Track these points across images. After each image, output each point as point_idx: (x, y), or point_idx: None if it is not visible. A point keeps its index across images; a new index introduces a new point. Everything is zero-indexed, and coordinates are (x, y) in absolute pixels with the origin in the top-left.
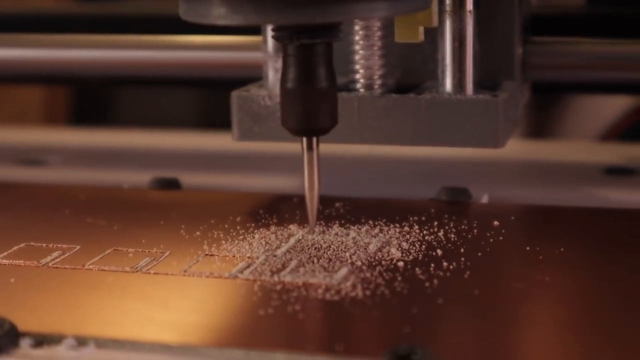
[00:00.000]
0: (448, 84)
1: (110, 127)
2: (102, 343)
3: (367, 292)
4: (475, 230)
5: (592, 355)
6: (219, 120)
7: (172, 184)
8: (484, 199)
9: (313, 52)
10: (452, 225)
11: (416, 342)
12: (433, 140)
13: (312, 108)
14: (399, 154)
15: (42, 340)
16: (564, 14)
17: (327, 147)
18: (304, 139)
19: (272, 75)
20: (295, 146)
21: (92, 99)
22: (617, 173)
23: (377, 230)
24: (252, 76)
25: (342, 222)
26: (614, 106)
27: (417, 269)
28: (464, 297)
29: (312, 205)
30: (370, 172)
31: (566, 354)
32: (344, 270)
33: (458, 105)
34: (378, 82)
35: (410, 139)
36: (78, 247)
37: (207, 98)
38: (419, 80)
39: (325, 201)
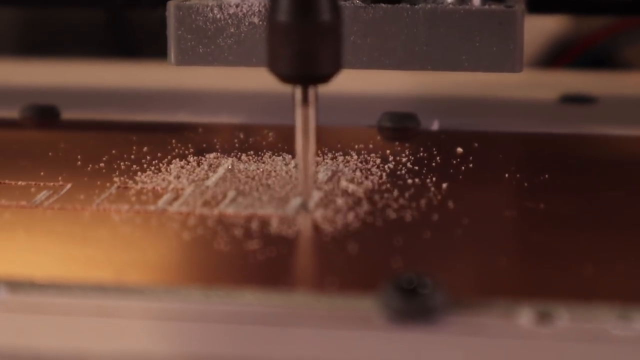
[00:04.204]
0: None
1: None
2: (17, 287)
3: (334, 224)
4: (438, 158)
5: (602, 282)
6: None
7: (49, 112)
8: (435, 126)
9: None
10: (407, 153)
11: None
12: (432, 63)
13: (311, 49)
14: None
15: None
16: None
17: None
18: (298, 89)
19: None
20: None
21: None
22: (573, 101)
23: (320, 158)
24: None
25: (275, 150)
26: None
27: (385, 199)
28: (453, 226)
29: (306, 173)
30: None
31: (582, 281)
32: (297, 200)
33: (466, 18)
34: None
35: (402, 62)
36: None
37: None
38: None
39: (251, 129)
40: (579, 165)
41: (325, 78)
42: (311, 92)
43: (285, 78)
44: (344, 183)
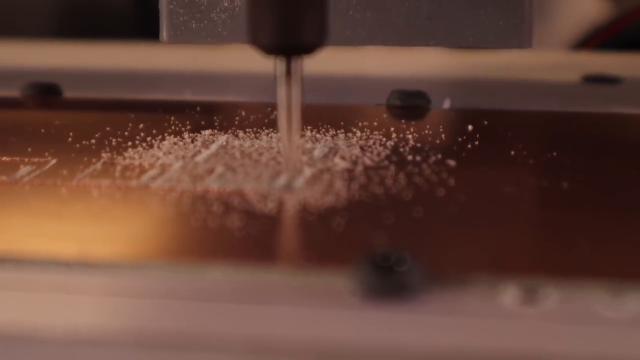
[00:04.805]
0: None
1: None
2: None
3: (322, 201)
4: (444, 135)
5: (597, 261)
6: None
7: (51, 90)
8: (446, 104)
9: None
10: (413, 130)
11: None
12: (435, 38)
13: (294, 18)
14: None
15: None
16: None
17: None
18: (280, 60)
19: None
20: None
21: None
22: (596, 81)
23: (320, 135)
24: None
25: (274, 127)
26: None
27: (381, 175)
28: (448, 203)
29: (290, 153)
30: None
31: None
32: (284, 177)
33: None
34: None
35: (403, 38)
36: None
37: None
38: None
39: (254, 107)
40: (592, 144)
41: (310, 49)
42: (295, 64)
43: (267, 49)
44: (337, 160)
